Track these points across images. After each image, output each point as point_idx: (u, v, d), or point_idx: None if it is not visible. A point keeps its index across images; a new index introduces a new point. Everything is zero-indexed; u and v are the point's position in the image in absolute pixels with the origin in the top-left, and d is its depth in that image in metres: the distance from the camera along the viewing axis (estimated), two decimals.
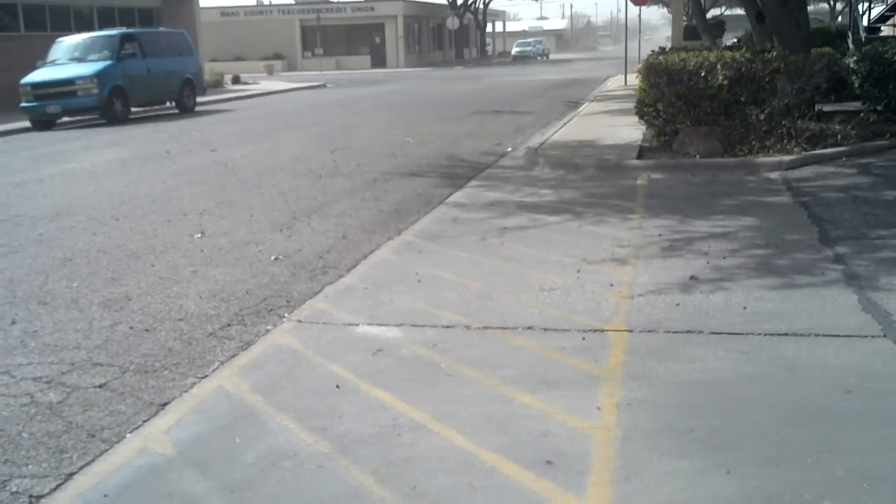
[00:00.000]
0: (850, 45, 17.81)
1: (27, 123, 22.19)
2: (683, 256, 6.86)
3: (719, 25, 32.98)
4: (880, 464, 3.56)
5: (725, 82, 11.60)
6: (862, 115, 13.16)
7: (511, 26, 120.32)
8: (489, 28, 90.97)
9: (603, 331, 5.25)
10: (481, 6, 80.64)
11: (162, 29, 29.96)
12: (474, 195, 10.12)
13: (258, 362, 5.05)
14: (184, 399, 4.58)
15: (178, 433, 4.17)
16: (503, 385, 4.51)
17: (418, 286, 6.40)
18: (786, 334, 5.04)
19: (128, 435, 4.18)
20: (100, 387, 4.77)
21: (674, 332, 5.16)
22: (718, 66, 11.72)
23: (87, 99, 22.11)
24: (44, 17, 31.59)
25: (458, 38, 78.72)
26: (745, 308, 5.53)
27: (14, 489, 3.71)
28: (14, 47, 27.80)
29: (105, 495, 3.63)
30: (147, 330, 5.71)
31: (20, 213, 10.05)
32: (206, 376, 4.88)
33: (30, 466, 3.91)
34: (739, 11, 31.39)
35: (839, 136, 11.81)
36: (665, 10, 76.83)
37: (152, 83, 24.23)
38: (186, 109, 25.68)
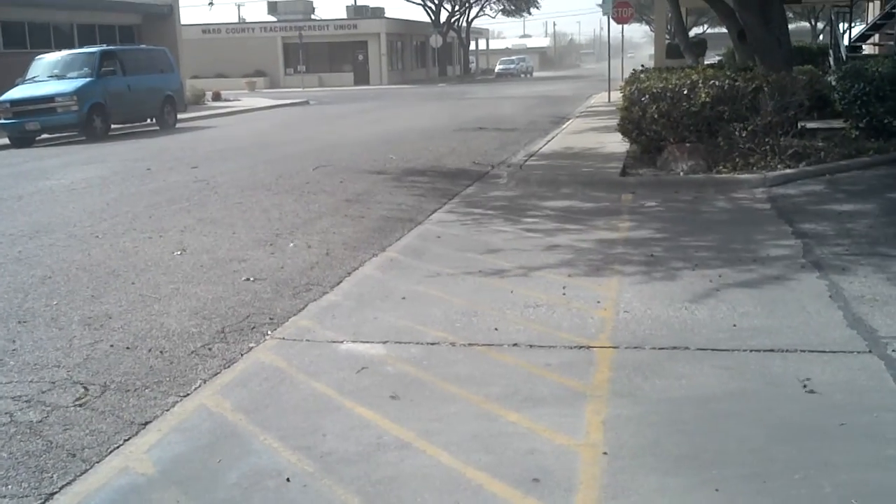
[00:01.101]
0: (832, 64, 17.97)
1: (6, 141, 22.07)
2: (668, 273, 6.86)
3: (702, 44, 33.20)
4: (868, 479, 3.56)
5: (708, 100, 11.69)
6: (844, 132, 13.25)
7: (494, 44, 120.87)
8: (472, 46, 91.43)
9: (589, 347, 5.23)
10: (464, 24, 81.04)
11: (143, 46, 29.85)
12: (458, 212, 10.10)
13: (241, 380, 4.99)
14: (165, 418, 4.52)
15: (160, 452, 4.11)
16: (489, 402, 4.48)
17: (403, 303, 6.36)
18: (772, 350, 5.03)
19: (108, 454, 4.12)
20: (80, 405, 4.71)
21: (660, 349, 5.15)
22: (700, 84, 11.82)
23: (66, 116, 21.98)
24: (23, 34, 31.49)
25: (442, 55, 78.96)
26: (732, 325, 5.52)
27: None
28: None
29: None
30: (128, 348, 5.65)
31: None
32: (188, 395, 4.83)
33: (9, 486, 3.84)
34: (722, 30, 31.61)
35: (822, 153, 11.87)
36: (648, 28, 77.49)
37: (133, 100, 24.11)
38: (167, 126, 25.55)
